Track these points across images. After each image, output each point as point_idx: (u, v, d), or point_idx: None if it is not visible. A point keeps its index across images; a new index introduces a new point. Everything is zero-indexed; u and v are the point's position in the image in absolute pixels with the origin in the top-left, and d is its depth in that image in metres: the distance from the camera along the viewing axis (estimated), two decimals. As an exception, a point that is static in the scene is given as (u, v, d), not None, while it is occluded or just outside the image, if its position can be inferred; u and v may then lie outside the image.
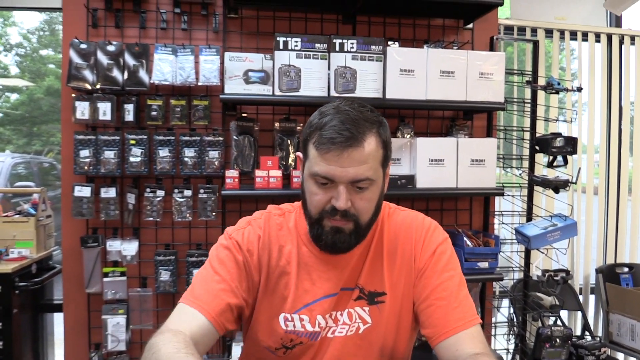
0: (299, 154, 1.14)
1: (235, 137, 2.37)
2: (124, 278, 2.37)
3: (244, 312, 1.14)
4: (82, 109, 2.31)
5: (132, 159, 2.32)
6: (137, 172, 2.33)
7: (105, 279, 2.36)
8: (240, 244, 1.13)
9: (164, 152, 2.34)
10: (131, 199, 2.36)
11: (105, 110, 2.31)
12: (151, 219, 2.35)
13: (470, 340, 1.04)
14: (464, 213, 2.64)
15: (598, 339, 2.97)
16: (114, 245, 2.35)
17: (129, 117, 2.33)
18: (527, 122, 2.74)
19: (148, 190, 2.36)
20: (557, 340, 2.37)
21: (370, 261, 1.15)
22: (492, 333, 2.68)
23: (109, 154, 2.31)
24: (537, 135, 2.59)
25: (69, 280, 2.42)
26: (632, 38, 3.21)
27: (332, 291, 1.13)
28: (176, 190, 2.36)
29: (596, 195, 3.27)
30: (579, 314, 3.06)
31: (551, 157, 2.46)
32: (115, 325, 2.34)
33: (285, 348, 1.14)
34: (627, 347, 2.82)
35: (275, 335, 1.13)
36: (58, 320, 2.60)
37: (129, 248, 2.35)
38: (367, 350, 1.14)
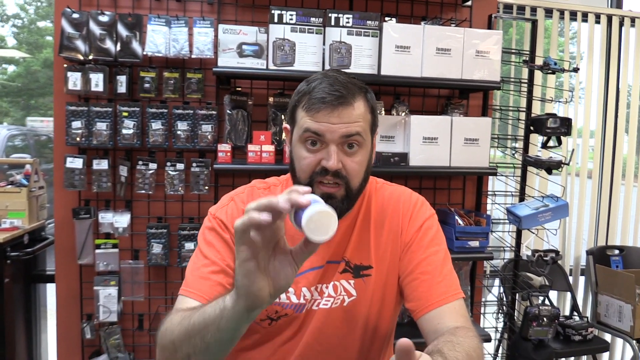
0: (286, 125, 1.13)
1: (228, 111, 2.35)
2: (116, 250, 2.38)
3: None
4: (74, 80, 2.28)
5: (124, 131, 2.31)
6: (129, 144, 2.31)
7: (97, 251, 2.36)
8: (225, 222, 1.12)
9: (156, 125, 2.32)
10: (123, 171, 2.36)
11: (97, 81, 2.29)
12: (143, 191, 2.35)
13: (451, 313, 1.05)
14: (456, 192, 2.64)
15: (586, 319, 3.01)
16: (106, 217, 2.36)
17: (122, 88, 2.31)
18: (523, 103, 2.73)
19: (140, 163, 2.35)
20: (544, 319, 2.40)
21: (357, 234, 1.15)
22: (482, 311, 2.71)
23: (101, 126, 2.30)
24: (533, 115, 2.58)
25: (61, 251, 2.42)
26: (632, 20, 3.18)
27: (318, 264, 1.13)
28: (169, 164, 2.35)
29: (590, 179, 3.28)
30: (569, 294, 3.10)
31: (545, 138, 2.46)
32: (107, 297, 2.36)
33: (270, 319, 1.14)
34: (614, 328, 2.86)
35: None
36: (50, 291, 2.62)
37: (121, 220, 2.35)
38: (350, 323, 1.14)
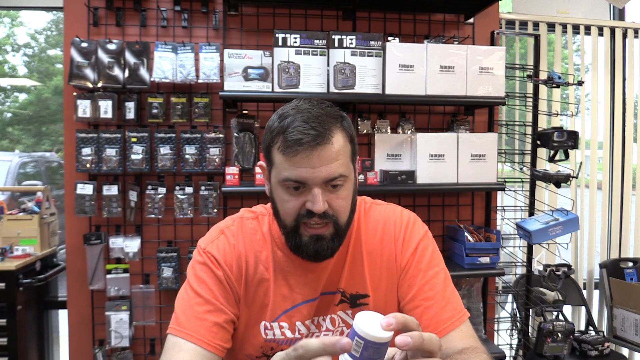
0: (262, 163, 1.07)
1: (235, 134, 2.38)
2: (127, 275, 2.39)
3: (236, 325, 1.09)
4: (84, 107, 2.32)
5: (133, 157, 2.33)
6: (138, 169, 2.34)
7: (109, 276, 2.38)
8: (217, 258, 1.07)
9: (165, 150, 2.35)
10: (133, 196, 2.38)
11: (106, 108, 2.33)
12: (153, 216, 2.37)
13: (460, 337, 1.03)
14: (465, 208, 2.63)
15: (602, 334, 2.96)
16: (116, 243, 2.37)
17: (130, 115, 2.35)
18: (529, 117, 2.73)
19: (150, 187, 2.37)
20: (559, 334, 2.36)
21: (350, 263, 1.11)
22: (495, 328, 2.68)
23: (111, 152, 2.33)
24: (539, 130, 2.58)
25: (73, 277, 2.44)
26: (636, 31, 3.18)
27: (311, 296, 1.09)
28: (177, 188, 2.37)
29: (600, 190, 3.25)
30: (583, 309, 3.05)
31: (552, 152, 2.45)
32: (119, 322, 2.37)
33: (267, 356, 1.11)
34: (631, 342, 2.81)
35: (255, 344, 1.10)
36: (63, 317, 2.62)
37: (131, 245, 2.36)
38: None
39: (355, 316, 0.69)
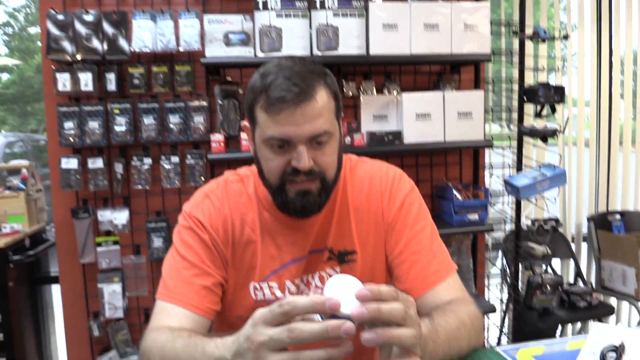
0: (245, 124, 1.05)
1: (219, 102, 2.35)
2: (117, 247, 2.39)
3: (224, 288, 1.09)
4: (63, 81, 2.28)
5: (117, 129, 2.31)
6: (123, 141, 2.32)
7: (99, 249, 2.38)
8: (203, 222, 1.07)
9: (148, 120, 2.32)
10: (119, 168, 2.36)
11: (86, 81, 2.29)
12: (140, 187, 2.36)
13: (447, 290, 1.04)
14: (453, 167, 2.64)
15: (590, 285, 3.02)
16: (105, 215, 2.37)
17: (111, 86, 2.31)
18: (515, 74, 2.71)
19: (135, 158, 2.35)
20: (548, 287, 2.41)
21: (337, 220, 1.11)
22: (486, 284, 2.72)
23: (94, 125, 2.30)
24: (525, 86, 2.57)
25: (63, 252, 2.44)
26: (622, -17, 3.15)
27: (299, 255, 1.09)
28: (163, 158, 2.35)
29: (587, 147, 3.27)
30: (572, 262, 3.10)
31: (539, 107, 2.45)
32: (112, 293, 2.38)
33: None
34: (619, 292, 2.87)
35: (246, 306, 1.10)
36: (56, 292, 2.63)
37: (119, 217, 2.36)
38: None
39: (327, 282, 0.68)
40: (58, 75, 2.27)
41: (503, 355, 0.93)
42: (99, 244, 2.39)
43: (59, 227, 2.43)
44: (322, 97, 0.96)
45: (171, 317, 0.98)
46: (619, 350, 0.78)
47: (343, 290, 0.66)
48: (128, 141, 2.32)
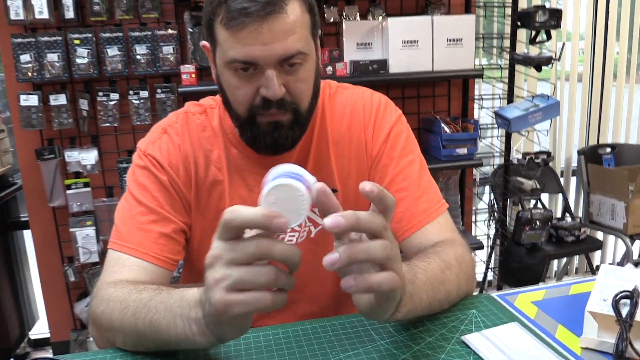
0: (205, 43, 0.90)
1: (190, 30, 2.16)
2: (88, 189, 2.26)
3: (188, 235, 0.97)
4: (16, 9, 2.07)
5: (78, 61, 2.12)
6: (86, 75, 2.14)
7: (69, 191, 2.25)
8: (160, 161, 0.93)
9: (113, 51, 2.13)
10: (84, 105, 2.19)
11: (41, 7, 2.07)
12: (108, 124, 2.20)
13: (436, 229, 0.93)
14: (442, 99, 2.51)
15: (578, 219, 2.98)
16: (72, 156, 2.22)
17: (69, 14, 2.10)
18: (508, -2, 2.54)
19: (101, 94, 2.18)
20: (537, 222, 2.35)
21: (315, 156, 0.98)
22: (473, 220, 2.66)
23: (53, 57, 2.11)
24: (520, 10, 2.40)
25: (31, 195, 2.31)
26: None
27: None
28: (131, 92, 2.18)
29: (580, 82, 3.14)
30: (560, 196, 3.05)
31: (534, 33, 2.30)
32: (85, 238, 2.27)
33: None
34: (607, 226, 2.83)
35: None
36: (28, 238, 2.52)
37: (88, 157, 2.21)
38: (322, 255, 1.00)
39: (268, 181, 0.57)
40: (9, 2, 2.05)
41: (500, 302, 0.84)
42: (69, 187, 2.25)
43: (25, 169, 2.28)
44: (295, 10, 0.80)
45: (126, 270, 0.86)
46: (633, 295, 0.68)
47: (291, 195, 0.56)
48: (92, 75, 2.14)
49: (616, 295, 0.69)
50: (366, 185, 0.58)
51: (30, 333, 2.67)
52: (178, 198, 0.94)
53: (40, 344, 2.69)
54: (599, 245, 2.89)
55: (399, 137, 0.99)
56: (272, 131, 0.86)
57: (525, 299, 0.84)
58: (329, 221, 0.55)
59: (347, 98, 1.01)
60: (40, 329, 2.69)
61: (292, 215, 0.55)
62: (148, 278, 0.86)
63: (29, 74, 2.11)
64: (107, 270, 0.87)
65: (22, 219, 2.57)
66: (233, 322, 0.59)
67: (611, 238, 3.23)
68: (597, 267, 3.31)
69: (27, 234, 2.58)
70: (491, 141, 2.59)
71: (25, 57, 2.10)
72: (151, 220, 0.90)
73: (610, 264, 3.30)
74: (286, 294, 0.58)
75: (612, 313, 0.67)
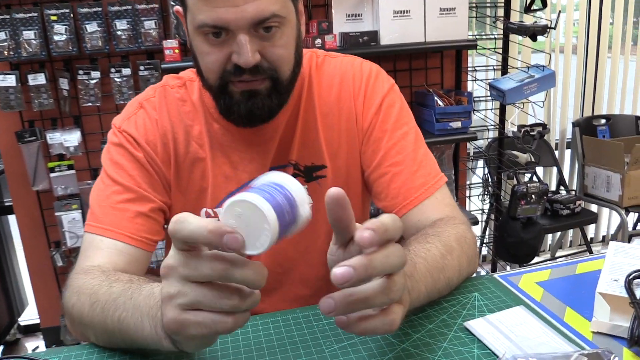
0: (178, 8, 0.84)
1: (172, 2, 2.07)
2: (73, 172, 2.19)
3: (167, 215, 0.92)
4: (-12, -18, 1.97)
5: (56, 38, 2.03)
6: (65, 52, 2.04)
7: (52, 175, 2.17)
8: (136, 137, 0.87)
9: (92, 27, 2.04)
10: (64, 84, 2.10)
11: (14, -19, 1.97)
12: (90, 104, 2.11)
13: (434, 206, 0.87)
14: (434, 72, 2.44)
15: (573, 192, 2.95)
16: (54, 138, 2.13)
17: (45, -13, 2.00)
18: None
19: (81, 72, 2.09)
20: (533, 196, 2.31)
21: (302, 129, 0.92)
22: (467, 194, 2.62)
23: (29, 35, 2.01)
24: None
25: (14, 179, 2.24)
26: None
27: (259, 173, 0.86)
28: (113, 70, 2.09)
29: (575, 54, 3.08)
30: (554, 169, 3.02)
31: (529, 0, 2.22)
32: (71, 222, 2.20)
33: None
34: (602, 199, 2.81)
35: None
36: (14, 223, 2.45)
37: (70, 139, 2.13)
38: (312, 234, 0.94)
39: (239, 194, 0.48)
40: (-20, -24, 1.95)
41: (503, 283, 0.79)
42: (52, 170, 2.17)
43: (6, 153, 2.20)
44: None
45: (100, 253, 0.80)
46: (646, 272, 0.64)
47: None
48: (71, 52, 2.04)
49: (629, 275, 0.64)
50: (364, 236, 0.48)
51: (20, 319, 2.63)
52: (156, 176, 0.88)
53: (30, 330, 2.65)
54: (594, 218, 2.87)
55: (391, 107, 0.93)
56: (247, 100, 0.80)
57: (530, 279, 0.79)
58: (337, 274, 0.47)
59: (336, 67, 0.95)
60: (30, 315, 2.65)
61: (252, 239, 0.46)
62: (125, 261, 0.81)
63: (5, 52, 2.01)
64: (82, 255, 0.82)
65: (7, 204, 2.50)
66: (191, 341, 0.52)
67: (605, 210, 3.21)
68: (592, 239, 3.31)
69: (13, 219, 2.52)
70: (485, 114, 2.53)
71: (0, 35, 2.00)
72: (127, 199, 0.84)
73: (604, 236, 3.30)
74: (248, 314, 0.51)
75: (625, 294, 0.63)
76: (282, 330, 0.71)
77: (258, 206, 0.46)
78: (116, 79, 2.10)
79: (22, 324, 2.65)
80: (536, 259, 2.54)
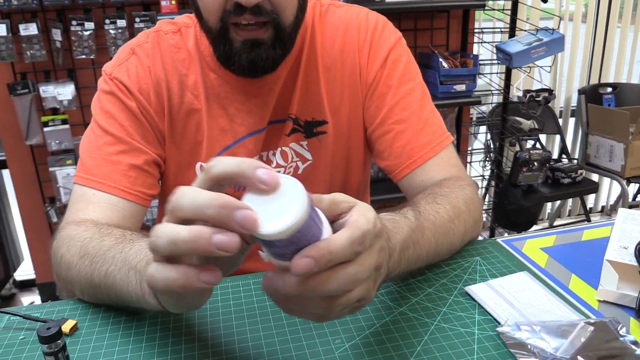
0: None
1: (169, -48, 1.98)
2: (67, 126, 2.14)
3: (162, 168, 0.88)
4: None
5: (49, -14, 1.95)
6: (58, 2, 1.97)
7: (46, 129, 2.13)
8: (128, 85, 0.82)
9: (85, -25, 1.96)
10: (57, 35, 2.03)
11: None
12: (84, 56, 2.05)
13: (439, 165, 0.84)
14: (440, 32, 2.36)
15: (575, 161, 2.92)
16: (47, 91, 2.08)
17: None
18: None
19: (74, 23, 2.02)
20: (535, 163, 2.27)
21: (303, 82, 0.87)
22: (468, 160, 2.58)
23: (20, -19, 1.93)
24: None
25: (6, 133, 2.19)
26: None
27: (257, 127, 0.87)
28: (108, 22, 2.02)
29: (584, 23, 2.99)
30: (557, 137, 2.97)
31: (541, -40, 2.14)
32: (66, 177, 2.17)
33: None
34: (604, 168, 2.77)
35: None
36: (8, 178, 2.42)
37: (64, 92, 2.08)
38: (311, 191, 0.90)
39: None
40: None
41: (506, 248, 0.76)
42: (46, 124, 2.13)
43: (-2, 105, 2.15)
44: None
45: (93, 206, 0.77)
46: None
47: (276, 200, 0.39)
48: (63, 2, 1.97)
49: (639, 243, 0.61)
50: (299, 264, 0.39)
51: (15, 274, 2.62)
52: (149, 127, 0.84)
53: (26, 285, 2.65)
54: (595, 187, 2.84)
55: (398, 61, 0.88)
56: (250, 50, 0.75)
57: (534, 245, 0.76)
58: (298, 265, 0.39)
59: (340, 17, 0.89)
60: (25, 270, 2.65)
61: (269, 217, 0.38)
62: (119, 216, 0.77)
63: (-5, 0, 1.94)
64: (71, 208, 0.78)
65: (0, 158, 2.46)
66: (162, 295, 0.47)
67: (606, 180, 3.19)
68: (591, 209, 3.29)
69: (7, 174, 2.49)
70: (490, 78, 2.47)
71: (-12, -19, 1.92)
72: (120, 150, 0.80)
73: (603, 206, 3.28)
74: (221, 273, 0.41)
75: (634, 262, 0.60)
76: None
77: (293, 181, 0.39)
78: (111, 31, 2.03)
79: (17, 279, 2.65)
80: (534, 227, 2.52)
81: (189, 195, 0.40)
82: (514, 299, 0.63)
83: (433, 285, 0.68)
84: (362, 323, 0.61)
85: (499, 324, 0.59)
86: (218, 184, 0.42)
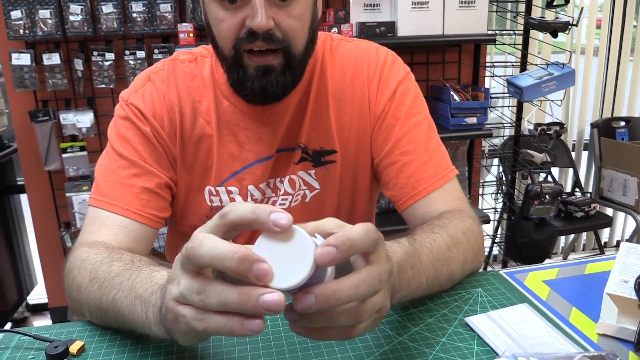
0: None
1: (188, -13, 2.06)
2: (85, 153, 2.20)
3: (174, 191, 0.90)
4: (6, -39, 1.97)
5: (72, 18, 2.03)
6: (80, 33, 2.05)
7: (65, 155, 2.18)
8: (143, 110, 0.85)
9: (108, 9, 2.04)
10: (78, 64, 2.11)
11: (32, -40, 1.97)
12: (104, 86, 2.12)
13: (442, 198, 0.85)
14: (452, 66, 2.40)
15: (588, 195, 2.90)
16: (67, 118, 2.14)
17: (62, -32, 2.00)
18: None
19: (96, 53, 2.09)
20: (547, 196, 2.27)
21: (313, 112, 0.90)
22: (480, 192, 2.58)
23: (45, 14, 2.02)
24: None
25: (26, 158, 2.25)
26: None
27: (265, 154, 0.89)
28: (127, 52, 2.09)
29: (596, 56, 3.02)
30: (570, 171, 2.96)
31: (551, -4, 2.17)
32: (82, 203, 2.22)
33: None
34: (618, 203, 2.75)
35: (200, 213, 0.92)
36: (26, 202, 2.47)
37: (83, 120, 2.14)
38: (317, 219, 0.91)
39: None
40: (-1, -45, 1.95)
41: (508, 280, 0.76)
42: (64, 150, 2.19)
43: (19, 131, 2.22)
44: None
45: (105, 229, 0.79)
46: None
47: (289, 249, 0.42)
48: (86, 33, 2.05)
49: (639, 277, 0.62)
50: (323, 254, 0.42)
51: (28, 298, 2.65)
52: (162, 151, 0.87)
53: (38, 309, 2.68)
54: (609, 221, 2.81)
55: (406, 95, 0.90)
56: (261, 76, 0.78)
57: (537, 277, 0.77)
58: (298, 300, 0.43)
59: (351, 51, 0.93)
60: (38, 294, 2.68)
61: (284, 272, 0.42)
62: (129, 238, 0.80)
63: (20, 31, 2.02)
64: (85, 230, 0.81)
65: (19, 183, 2.52)
66: (186, 334, 0.48)
67: (621, 215, 3.15)
68: (605, 244, 3.25)
69: (25, 198, 2.54)
70: (502, 111, 2.49)
71: (16, 14, 2.01)
72: (133, 174, 0.83)
73: (618, 241, 3.24)
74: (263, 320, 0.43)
75: (634, 296, 0.60)
76: (278, 322, 0.69)
77: (299, 230, 0.43)
78: (130, 62, 2.10)
79: (30, 302, 2.67)
80: (547, 261, 2.50)
81: (207, 246, 0.42)
82: (513, 331, 0.63)
83: (433, 315, 0.68)
84: (362, 352, 0.61)
85: (497, 355, 0.59)
86: (234, 229, 0.45)
